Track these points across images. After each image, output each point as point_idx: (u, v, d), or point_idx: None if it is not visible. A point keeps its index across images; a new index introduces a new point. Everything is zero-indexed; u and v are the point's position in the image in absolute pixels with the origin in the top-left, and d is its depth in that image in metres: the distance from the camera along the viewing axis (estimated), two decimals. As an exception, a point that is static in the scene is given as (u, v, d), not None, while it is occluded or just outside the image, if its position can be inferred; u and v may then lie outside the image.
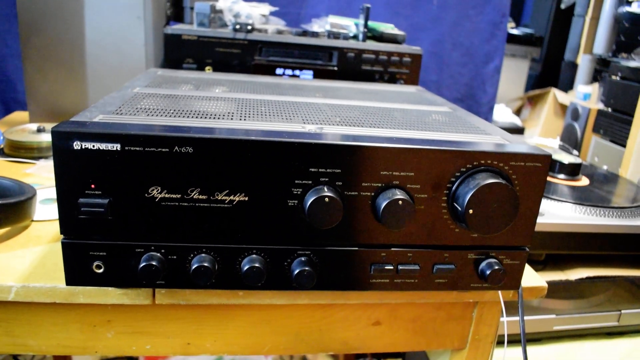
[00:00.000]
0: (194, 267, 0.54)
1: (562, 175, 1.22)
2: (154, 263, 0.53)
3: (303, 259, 0.56)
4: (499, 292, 0.66)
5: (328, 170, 0.53)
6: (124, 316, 0.63)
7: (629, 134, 1.89)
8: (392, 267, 0.58)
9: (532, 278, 0.70)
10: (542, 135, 2.96)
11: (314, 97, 0.80)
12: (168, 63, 1.13)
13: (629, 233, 1.05)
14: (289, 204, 0.54)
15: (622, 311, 1.13)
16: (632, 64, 2.11)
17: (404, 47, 1.23)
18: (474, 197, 0.53)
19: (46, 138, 0.99)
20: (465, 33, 1.89)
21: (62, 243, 0.53)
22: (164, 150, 0.50)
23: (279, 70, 1.17)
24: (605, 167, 1.96)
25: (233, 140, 0.51)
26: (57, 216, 0.52)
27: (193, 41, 1.12)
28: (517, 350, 0.66)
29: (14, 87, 1.54)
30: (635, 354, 1.11)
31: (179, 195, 0.52)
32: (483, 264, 0.59)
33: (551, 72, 3.44)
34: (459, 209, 0.54)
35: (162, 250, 0.54)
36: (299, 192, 0.54)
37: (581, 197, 1.11)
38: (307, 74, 1.18)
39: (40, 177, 0.89)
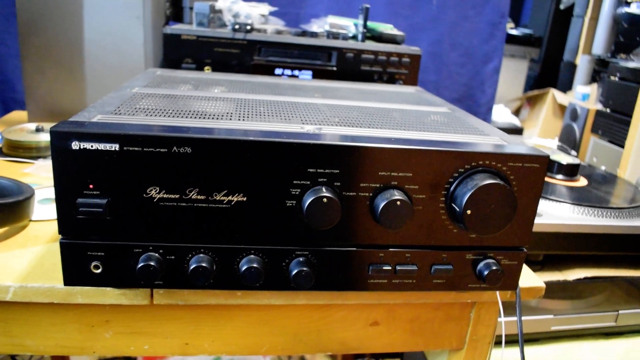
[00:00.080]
0: (192, 268, 0.54)
1: (560, 176, 1.22)
2: (152, 263, 0.53)
3: (301, 259, 0.56)
4: (497, 292, 0.66)
5: (326, 170, 0.53)
6: (122, 316, 0.63)
7: (628, 134, 1.89)
8: (390, 268, 0.58)
9: (530, 278, 0.70)
10: (540, 136, 2.96)
11: (313, 97, 0.80)
12: (167, 63, 1.13)
13: (627, 234, 1.06)
14: (287, 204, 0.54)
15: (620, 311, 1.13)
16: (631, 64, 2.11)
17: (403, 47, 1.23)
18: (472, 198, 0.53)
19: (45, 138, 0.99)
20: (464, 33, 1.89)
21: (61, 243, 0.53)
22: (162, 150, 0.50)
23: (278, 71, 1.17)
24: (603, 168, 1.97)
25: (232, 140, 0.51)
26: (55, 216, 0.51)
27: (192, 41, 1.12)
28: (515, 350, 0.66)
29: (13, 87, 1.54)
30: (632, 354, 1.11)
31: (177, 196, 0.52)
32: (481, 265, 0.59)
33: (550, 73, 3.44)
34: (457, 209, 0.54)
35: (160, 251, 0.54)
36: (297, 193, 0.54)
37: (579, 198, 1.11)
38: (306, 74, 1.18)
39: (39, 176, 0.89)
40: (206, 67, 1.14)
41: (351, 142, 0.53)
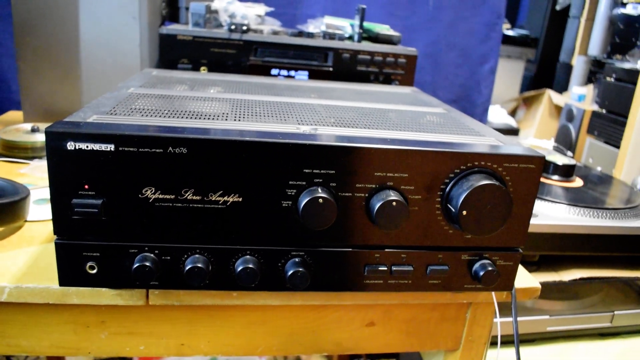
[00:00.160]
0: (187, 268, 0.54)
1: (556, 177, 1.22)
2: (147, 264, 0.53)
3: (297, 259, 0.56)
4: (493, 293, 0.66)
5: (322, 171, 0.53)
6: (117, 317, 0.63)
7: (623, 135, 1.90)
8: (386, 268, 0.58)
9: (525, 279, 0.70)
10: (536, 137, 2.97)
11: (309, 97, 0.80)
12: (163, 63, 1.13)
13: (622, 234, 1.06)
14: (283, 204, 0.54)
15: (615, 312, 1.14)
16: (627, 65, 2.11)
17: (399, 48, 1.23)
18: (468, 199, 0.53)
19: (40, 138, 0.99)
20: (461, 34, 1.89)
21: (56, 243, 0.53)
22: (158, 150, 0.50)
23: (274, 71, 1.17)
24: (599, 169, 1.97)
25: (227, 141, 0.51)
26: (50, 216, 0.51)
27: (188, 41, 1.12)
28: (511, 351, 0.66)
29: (9, 87, 1.54)
30: (628, 355, 1.11)
31: (172, 196, 0.52)
32: (477, 265, 0.59)
33: (546, 74, 3.45)
34: (453, 210, 0.55)
35: (156, 251, 0.54)
36: (293, 193, 0.54)
37: (575, 199, 1.11)
38: (303, 75, 1.18)
39: (34, 177, 0.88)
40: (202, 68, 1.14)
41: (347, 143, 0.53)
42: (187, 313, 0.64)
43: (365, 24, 1.29)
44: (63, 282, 0.54)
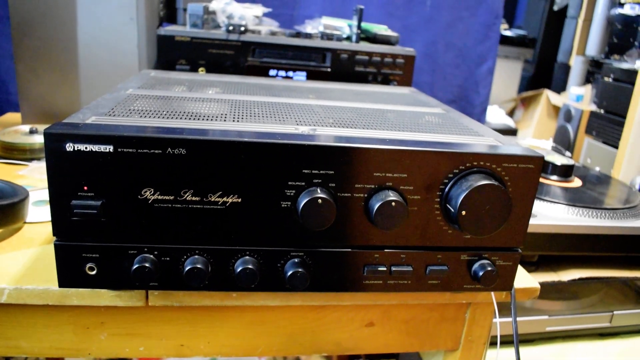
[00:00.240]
0: (187, 269, 0.54)
1: (554, 177, 1.22)
2: (147, 265, 0.53)
3: (296, 260, 0.56)
4: (492, 293, 0.66)
5: (321, 171, 0.53)
6: (117, 318, 0.62)
7: (622, 135, 1.90)
8: (385, 269, 0.58)
9: (524, 279, 0.70)
10: (535, 137, 2.98)
11: (307, 98, 0.80)
12: (161, 64, 1.13)
13: (621, 234, 1.06)
14: (282, 205, 0.54)
15: (615, 312, 1.14)
16: (625, 65, 2.12)
17: (397, 48, 1.23)
18: (467, 199, 0.53)
19: (39, 139, 0.99)
20: (459, 34, 1.90)
21: (55, 245, 0.53)
22: (156, 151, 0.50)
23: (272, 72, 1.17)
24: (597, 169, 1.97)
25: (226, 141, 0.51)
26: (49, 218, 0.51)
27: (186, 42, 1.12)
28: (510, 351, 0.66)
29: (7, 89, 1.54)
30: (627, 355, 1.11)
31: (172, 197, 0.52)
32: (476, 265, 0.60)
33: (544, 74, 3.45)
34: (452, 210, 0.55)
35: (155, 252, 0.54)
36: (292, 194, 0.54)
37: (574, 199, 1.11)
38: (301, 75, 1.18)
39: (33, 178, 0.88)
40: (200, 69, 1.14)
41: (346, 143, 0.53)
42: (186, 314, 0.64)
43: (363, 25, 1.29)
44: (62, 283, 0.54)
